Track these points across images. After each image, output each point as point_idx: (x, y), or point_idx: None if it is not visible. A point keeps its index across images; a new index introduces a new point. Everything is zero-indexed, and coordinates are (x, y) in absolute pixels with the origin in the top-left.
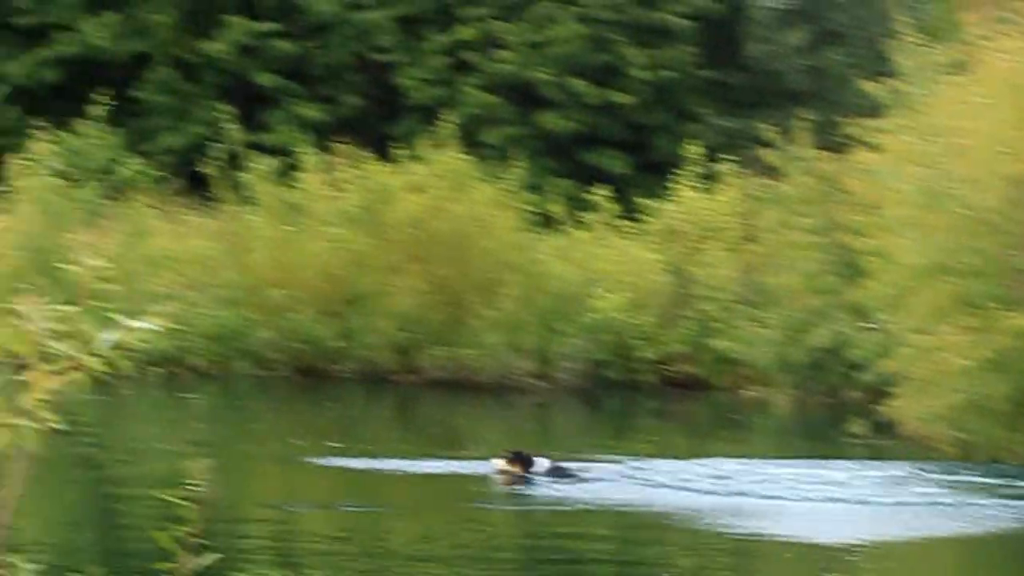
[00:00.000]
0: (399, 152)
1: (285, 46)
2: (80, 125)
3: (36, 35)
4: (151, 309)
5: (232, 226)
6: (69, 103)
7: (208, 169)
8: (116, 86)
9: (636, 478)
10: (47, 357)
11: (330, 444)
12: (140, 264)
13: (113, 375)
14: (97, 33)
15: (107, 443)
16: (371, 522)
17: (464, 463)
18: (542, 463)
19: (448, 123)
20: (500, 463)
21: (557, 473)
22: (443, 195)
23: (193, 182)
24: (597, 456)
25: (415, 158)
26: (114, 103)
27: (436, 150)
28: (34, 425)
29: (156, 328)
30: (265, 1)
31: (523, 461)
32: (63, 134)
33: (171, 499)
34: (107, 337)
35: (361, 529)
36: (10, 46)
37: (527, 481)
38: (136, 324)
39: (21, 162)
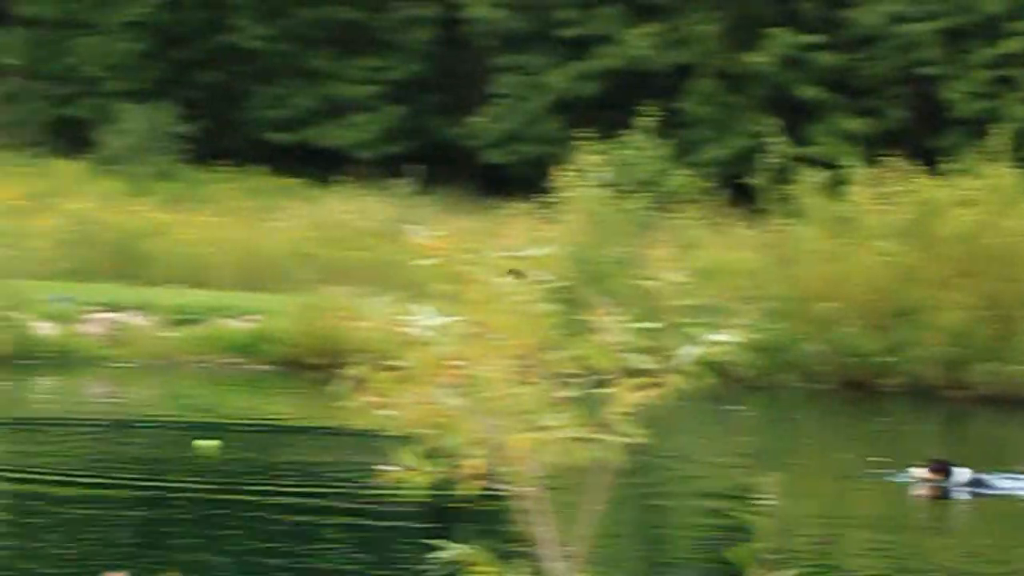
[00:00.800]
0: (945, 166)
1: (829, 58)
2: (627, 136)
3: (580, 46)
4: (728, 322)
5: (779, 239)
6: (613, 114)
7: (754, 181)
8: (659, 97)
9: None
10: (629, 371)
11: (877, 458)
12: (691, 276)
13: (692, 389)
14: (640, 44)
15: (657, 454)
16: (917, 539)
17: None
18: (962, 474)
19: (998, 137)
20: (920, 472)
21: (977, 484)
22: (994, 209)
23: (738, 194)
24: None
25: (964, 172)
26: (659, 114)
27: (986, 164)
28: (616, 439)
29: (737, 341)
30: (809, 13)
31: (943, 470)
32: (610, 145)
33: (740, 513)
34: (689, 351)
35: (904, 546)
36: (554, 57)
37: (946, 492)
38: (718, 338)
39: (569, 173)
